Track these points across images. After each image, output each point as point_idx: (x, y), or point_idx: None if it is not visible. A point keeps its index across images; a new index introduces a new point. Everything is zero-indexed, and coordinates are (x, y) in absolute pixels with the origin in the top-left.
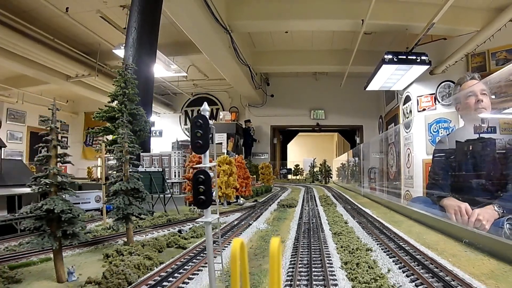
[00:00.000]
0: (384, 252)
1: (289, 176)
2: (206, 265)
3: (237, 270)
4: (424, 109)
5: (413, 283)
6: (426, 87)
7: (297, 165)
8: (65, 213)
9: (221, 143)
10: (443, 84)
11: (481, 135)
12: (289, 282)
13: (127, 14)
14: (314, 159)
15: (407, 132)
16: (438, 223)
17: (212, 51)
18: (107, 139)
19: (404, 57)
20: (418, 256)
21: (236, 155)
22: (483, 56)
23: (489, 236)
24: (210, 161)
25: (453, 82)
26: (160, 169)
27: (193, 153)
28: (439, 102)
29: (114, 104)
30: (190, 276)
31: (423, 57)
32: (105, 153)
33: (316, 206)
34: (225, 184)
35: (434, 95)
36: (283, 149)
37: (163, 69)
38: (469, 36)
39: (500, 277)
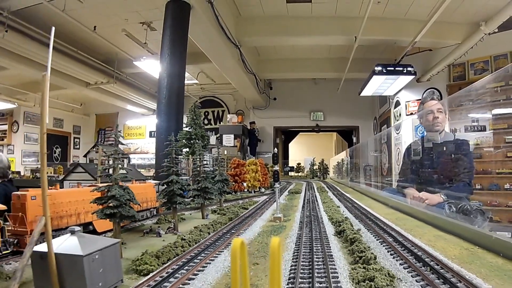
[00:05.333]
0: (345, 207)
1: (290, 173)
2: (261, 215)
3: (237, 269)
4: (411, 113)
5: (352, 215)
6: (413, 93)
7: (299, 164)
8: (210, 188)
9: (236, 146)
10: (428, 90)
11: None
12: (300, 215)
13: (146, 30)
14: (313, 158)
15: (397, 134)
16: (383, 199)
17: (223, 63)
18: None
19: (392, 68)
20: (360, 209)
21: (254, 157)
22: (463, 66)
23: (403, 203)
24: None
25: (437, 89)
26: (212, 168)
27: (233, 159)
28: None
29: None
30: (258, 216)
31: (409, 68)
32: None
33: (315, 192)
34: (252, 178)
35: (420, 101)
36: (285, 148)
37: None
38: (451, 48)
39: (401, 220)
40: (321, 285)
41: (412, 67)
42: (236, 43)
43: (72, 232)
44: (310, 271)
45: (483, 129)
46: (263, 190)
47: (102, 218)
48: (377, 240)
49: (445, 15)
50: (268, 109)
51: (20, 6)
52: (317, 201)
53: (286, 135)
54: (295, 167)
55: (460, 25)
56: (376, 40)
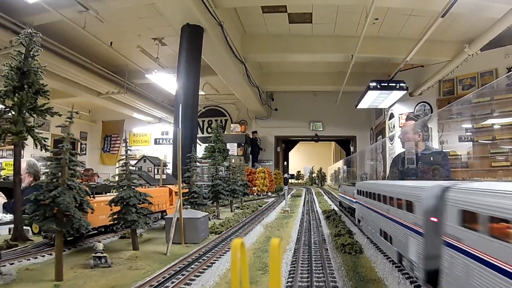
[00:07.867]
0: (332, 202)
1: (290, 180)
2: (274, 210)
3: (237, 270)
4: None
5: (338, 209)
6: (406, 106)
7: (298, 171)
8: (237, 190)
9: (243, 156)
10: (420, 104)
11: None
12: (302, 210)
13: (157, 45)
14: (312, 167)
15: (391, 144)
16: None
17: (229, 78)
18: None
19: (386, 84)
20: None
21: (260, 166)
22: (452, 82)
23: None
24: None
25: (428, 103)
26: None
27: (245, 168)
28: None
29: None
30: (271, 210)
31: (401, 84)
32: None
33: (313, 196)
34: (261, 184)
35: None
36: (285, 156)
37: None
38: (441, 65)
39: None
40: (314, 235)
41: (404, 83)
42: (242, 60)
43: (186, 208)
44: (309, 229)
45: (471, 139)
46: (269, 193)
47: (187, 205)
48: (349, 220)
49: (436, 34)
50: (270, 119)
51: (42, 21)
52: (314, 201)
53: (287, 144)
54: (295, 174)
55: (449, 43)
56: (371, 58)
